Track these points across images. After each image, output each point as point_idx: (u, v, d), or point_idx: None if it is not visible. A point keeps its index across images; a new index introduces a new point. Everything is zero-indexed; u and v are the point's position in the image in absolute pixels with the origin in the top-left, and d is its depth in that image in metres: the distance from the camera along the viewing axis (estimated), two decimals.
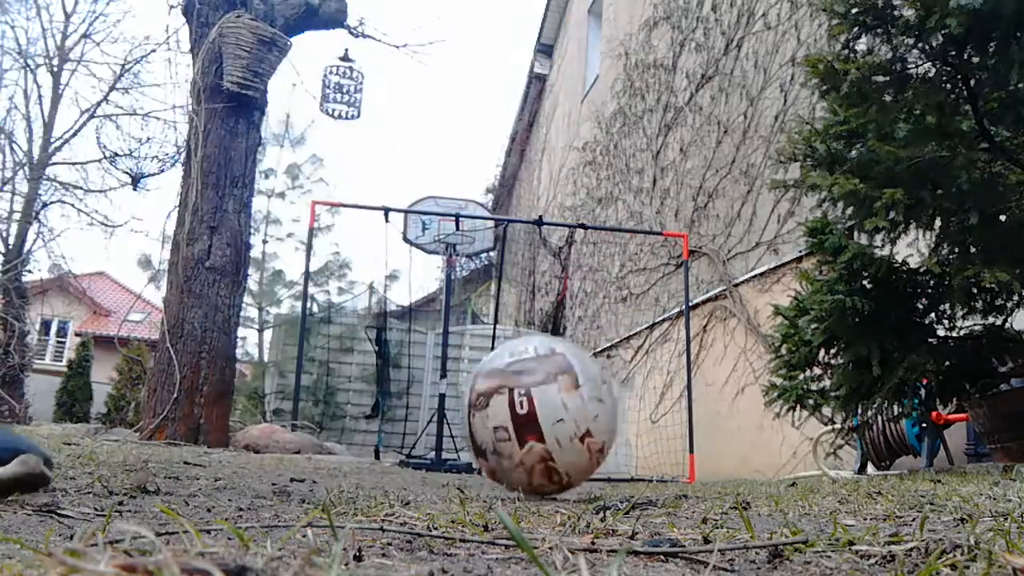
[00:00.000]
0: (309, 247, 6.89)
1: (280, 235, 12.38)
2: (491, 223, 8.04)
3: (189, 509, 1.11)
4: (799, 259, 5.07)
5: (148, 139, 6.58)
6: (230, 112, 5.81)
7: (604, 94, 9.98)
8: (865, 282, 2.99)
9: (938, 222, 2.97)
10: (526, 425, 1.72)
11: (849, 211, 2.93)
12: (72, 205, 13.58)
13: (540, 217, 7.17)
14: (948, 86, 2.83)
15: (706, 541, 0.87)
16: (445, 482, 2.64)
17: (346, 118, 6.89)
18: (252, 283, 11.23)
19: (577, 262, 10.32)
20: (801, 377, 3.26)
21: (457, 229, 7.01)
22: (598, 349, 9.12)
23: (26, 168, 13.93)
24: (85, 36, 14.56)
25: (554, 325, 6.92)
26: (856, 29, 2.87)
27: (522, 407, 1.72)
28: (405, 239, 7.40)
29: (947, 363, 2.99)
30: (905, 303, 3.03)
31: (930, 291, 3.03)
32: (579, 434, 1.74)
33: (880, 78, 2.86)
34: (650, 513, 1.27)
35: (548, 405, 1.74)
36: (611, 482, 4.54)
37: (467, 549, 0.78)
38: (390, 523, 0.94)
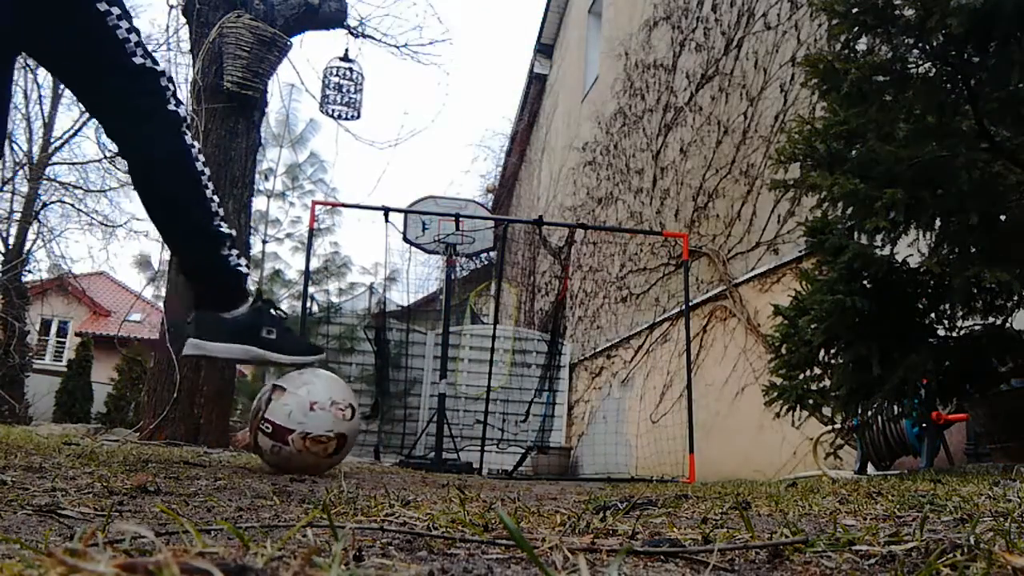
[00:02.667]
0: (309, 247, 6.88)
1: (279, 235, 12.39)
2: (491, 223, 8.03)
3: (189, 509, 1.11)
4: (799, 259, 5.07)
5: None
6: (230, 112, 5.81)
7: (604, 94, 9.98)
8: (865, 282, 2.99)
9: (938, 222, 2.97)
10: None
11: (849, 211, 2.93)
12: (72, 205, 13.59)
13: (540, 217, 7.17)
14: (948, 86, 2.83)
15: (706, 541, 0.87)
16: (445, 482, 2.63)
17: (345, 118, 6.87)
18: (251, 283, 11.25)
19: (577, 262, 10.32)
20: (801, 377, 3.26)
21: (457, 229, 7.00)
22: (598, 349, 9.12)
23: (26, 168, 13.93)
24: None
25: (554, 325, 6.91)
26: (856, 29, 2.87)
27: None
28: (405, 239, 7.39)
29: (947, 363, 2.99)
30: (905, 303, 3.03)
31: (930, 291, 3.03)
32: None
33: (880, 78, 2.86)
34: (650, 513, 1.27)
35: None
36: (611, 482, 4.54)
37: (467, 549, 0.78)
38: (390, 523, 0.94)
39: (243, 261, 2.32)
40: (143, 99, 2.08)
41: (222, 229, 2.22)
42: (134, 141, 2.14)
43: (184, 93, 6.35)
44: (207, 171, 2.18)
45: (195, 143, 2.17)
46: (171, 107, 2.11)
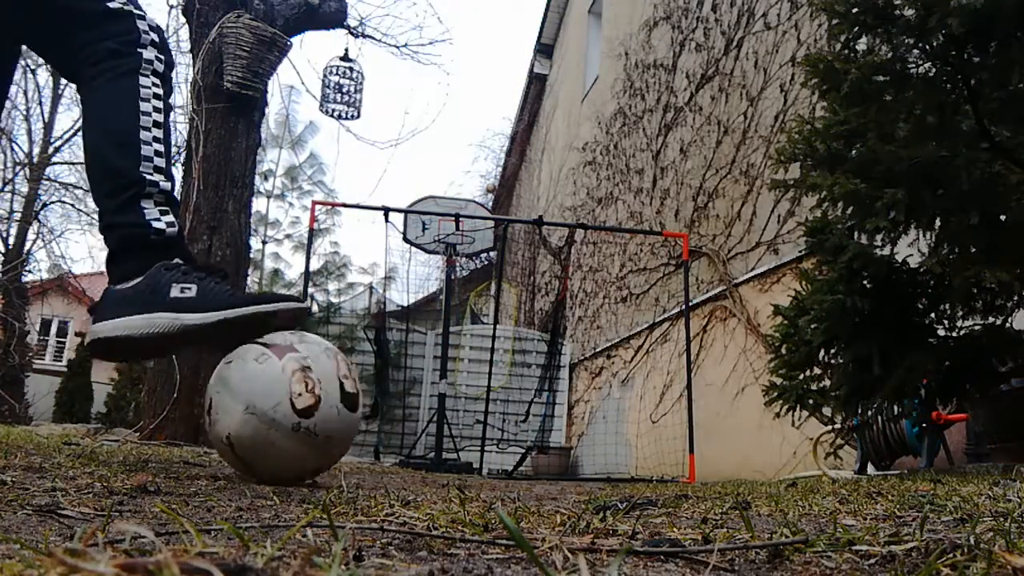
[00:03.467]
0: (309, 247, 6.88)
1: (279, 236, 12.41)
2: (491, 223, 8.03)
3: (189, 509, 1.11)
4: (799, 259, 5.07)
5: None
6: (230, 112, 5.80)
7: (604, 94, 9.98)
8: (865, 282, 2.99)
9: (938, 222, 2.97)
10: None
11: (849, 211, 2.94)
12: (72, 205, 13.58)
13: (540, 217, 7.17)
14: (948, 86, 2.83)
15: (706, 541, 0.87)
16: (445, 482, 2.64)
17: (346, 118, 6.87)
18: (251, 283, 11.26)
19: (577, 262, 10.32)
20: (801, 377, 3.26)
21: (457, 229, 7.01)
22: (598, 349, 9.12)
23: (26, 168, 13.93)
24: None
25: (554, 325, 6.91)
26: (856, 29, 2.87)
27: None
28: (405, 239, 7.40)
29: (947, 363, 2.99)
30: (905, 303, 3.03)
31: (930, 291, 3.03)
32: None
33: (880, 78, 2.86)
34: (650, 513, 1.27)
35: None
36: (611, 482, 4.54)
37: (467, 549, 0.78)
38: (390, 523, 0.94)
39: (167, 219, 1.89)
40: (112, 41, 1.90)
41: (148, 177, 1.87)
42: (93, 82, 1.92)
43: (184, 93, 6.35)
44: (158, 118, 1.92)
45: (156, 87, 1.93)
46: (140, 49, 1.92)
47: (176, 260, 1.86)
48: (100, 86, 1.91)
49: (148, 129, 1.89)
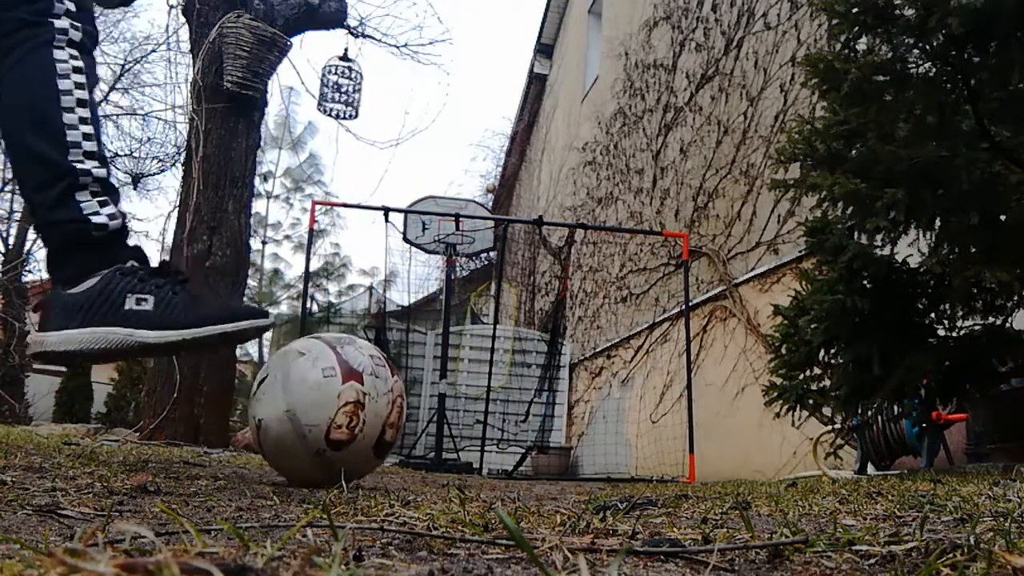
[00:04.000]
0: (309, 247, 6.88)
1: (278, 237, 12.43)
2: (491, 223, 8.03)
3: (189, 509, 1.11)
4: (799, 259, 5.07)
5: (148, 139, 6.56)
6: (230, 112, 5.81)
7: (604, 94, 9.98)
8: (865, 282, 2.99)
9: (938, 222, 2.97)
10: None
11: (849, 211, 2.94)
12: None
13: (540, 217, 7.17)
14: (948, 86, 2.83)
15: (706, 541, 0.87)
16: (445, 482, 2.64)
17: (343, 117, 6.87)
18: (252, 283, 11.26)
19: (577, 262, 10.32)
20: (801, 377, 3.26)
21: (457, 229, 7.01)
22: (598, 349, 9.12)
23: None
24: None
25: (554, 325, 6.92)
26: (856, 29, 2.87)
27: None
28: (405, 239, 7.40)
29: (947, 363, 2.99)
30: (905, 303, 3.03)
31: (930, 291, 3.03)
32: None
33: (880, 78, 2.86)
34: (650, 513, 1.27)
35: None
36: (611, 482, 4.54)
37: (467, 549, 0.78)
38: (390, 523, 0.94)
39: (107, 211, 1.69)
40: (21, 10, 1.69)
41: (79, 166, 1.65)
42: (3, 61, 1.71)
43: (184, 93, 6.36)
44: (82, 96, 1.70)
45: (75, 60, 1.72)
46: (51, 19, 1.71)
47: (131, 263, 1.70)
48: (11, 66, 1.70)
49: (71, 110, 1.68)
